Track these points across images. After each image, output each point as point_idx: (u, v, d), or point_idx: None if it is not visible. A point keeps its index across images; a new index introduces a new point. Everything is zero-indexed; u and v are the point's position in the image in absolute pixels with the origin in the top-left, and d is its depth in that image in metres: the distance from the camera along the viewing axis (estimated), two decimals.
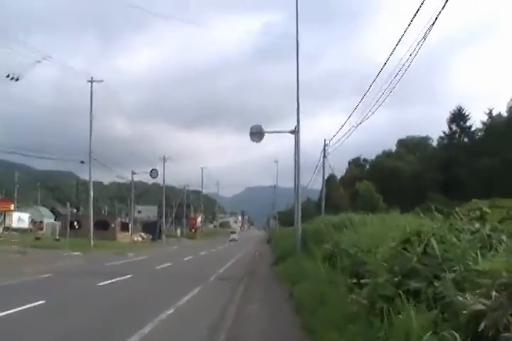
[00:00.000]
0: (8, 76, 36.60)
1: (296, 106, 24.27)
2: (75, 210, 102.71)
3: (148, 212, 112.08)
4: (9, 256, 27.35)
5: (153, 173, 57.10)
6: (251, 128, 25.80)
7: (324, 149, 36.67)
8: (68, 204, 42.75)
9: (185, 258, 34.22)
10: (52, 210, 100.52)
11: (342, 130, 32.79)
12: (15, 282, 17.34)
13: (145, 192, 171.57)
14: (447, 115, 73.39)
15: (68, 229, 39.24)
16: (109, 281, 18.09)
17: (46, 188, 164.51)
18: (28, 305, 11.93)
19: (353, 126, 27.77)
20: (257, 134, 25.85)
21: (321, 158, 37.60)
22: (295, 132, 27.39)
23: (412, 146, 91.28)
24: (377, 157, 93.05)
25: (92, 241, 42.17)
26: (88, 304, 13.18)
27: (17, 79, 37.06)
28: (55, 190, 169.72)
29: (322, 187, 38.83)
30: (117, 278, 19.02)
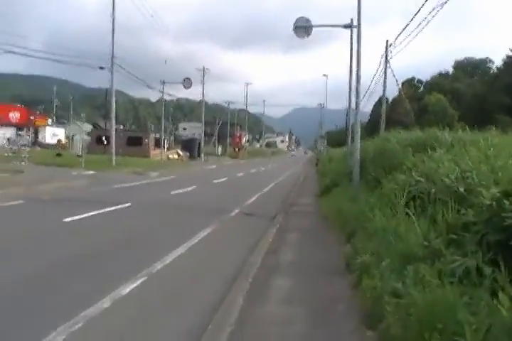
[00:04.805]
0: None
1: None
2: (122, 126, 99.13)
3: (193, 129, 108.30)
4: None
5: (186, 83, 50.55)
6: (296, 21, 19.74)
7: (386, 51, 29.44)
8: (83, 115, 37.15)
9: (217, 180, 28.90)
10: (95, 126, 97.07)
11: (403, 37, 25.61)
12: None
13: (192, 110, 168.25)
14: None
15: (81, 145, 34.06)
16: (86, 215, 12.82)
17: (95, 106, 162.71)
18: None
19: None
20: (302, 28, 19.89)
21: (382, 63, 30.41)
22: (352, 26, 21.13)
23: (470, 69, 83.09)
24: (433, 78, 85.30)
25: (113, 158, 37.09)
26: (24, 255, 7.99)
27: None
28: (102, 107, 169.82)
29: (384, 92, 31.62)
30: (102, 210, 13.82)
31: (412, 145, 12.16)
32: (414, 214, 7.09)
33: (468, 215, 5.68)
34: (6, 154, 37.62)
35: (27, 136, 63.31)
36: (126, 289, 6.46)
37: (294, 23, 19.76)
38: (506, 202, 4.96)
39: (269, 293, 6.25)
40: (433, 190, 7.50)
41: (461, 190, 6.82)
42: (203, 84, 61.33)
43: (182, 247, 9.29)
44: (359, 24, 17.28)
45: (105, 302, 5.91)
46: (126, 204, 15.48)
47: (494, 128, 12.63)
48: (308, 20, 20.01)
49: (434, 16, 19.00)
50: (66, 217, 12.11)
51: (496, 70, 76.46)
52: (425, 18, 19.81)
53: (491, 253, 4.75)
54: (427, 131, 13.37)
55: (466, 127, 13.03)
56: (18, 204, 14.86)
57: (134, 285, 6.65)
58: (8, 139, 51.16)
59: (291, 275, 7.20)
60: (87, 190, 20.30)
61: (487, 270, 4.21)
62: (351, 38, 22.50)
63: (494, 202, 5.14)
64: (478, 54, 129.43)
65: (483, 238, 5.10)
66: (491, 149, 8.64)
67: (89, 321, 5.31)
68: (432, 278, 4.91)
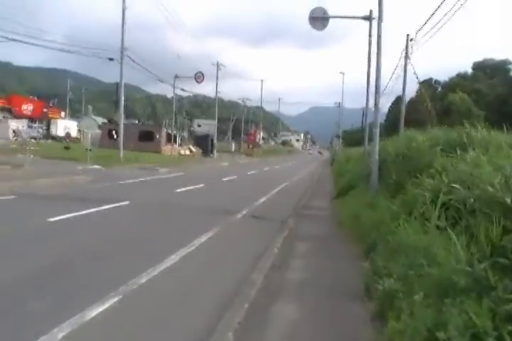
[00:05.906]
0: None
1: None
2: (137, 121, 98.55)
3: (208, 126, 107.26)
4: None
5: (198, 77, 49.33)
6: (311, 12, 18.61)
7: (407, 46, 28.05)
8: (90, 108, 35.85)
9: (226, 178, 27.75)
10: (110, 121, 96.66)
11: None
12: None
13: (209, 108, 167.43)
14: None
15: (90, 139, 32.98)
16: (76, 214, 11.69)
17: (112, 101, 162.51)
18: None
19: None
20: (319, 19, 18.73)
21: (402, 59, 29.05)
22: (371, 18, 20.19)
23: (490, 70, 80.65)
24: (451, 79, 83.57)
25: (121, 152, 35.89)
26: None
27: None
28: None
29: (403, 88, 30.10)
30: (96, 208, 12.69)
31: (440, 144, 10.80)
32: (447, 228, 5.84)
33: None
34: (12, 146, 36.62)
35: (39, 129, 62.59)
36: (92, 312, 5.26)
37: (310, 14, 18.60)
38: None
39: (268, 325, 5.00)
40: (471, 200, 6.21)
41: (508, 201, 5.54)
42: (217, 78, 60.15)
43: (173, 256, 8.07)
44: (380, 15, 15.90)
45: (61, 331, 4.73)
46: (125, 203, 14.34)
47: None
48: (324, 11, 18.86)
49: (457, 10, 17.79)
50: (53, 216, 10.97)
51: None
52: (447, 13, 18.63)
53: None
54: (457, 130, 11.97)
55: (494, 129, 11.67)
56: (8, 199, 13.84)
57: (102, 308, 5.43)
58: (14, 131, 50.07)
59: (298, 301, 5.92)
60: (88, 186, 19.18)
61: None
62: (370, 32, 21.52)
63: None
64: (496, 56, 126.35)
65: None
66: None
67: None
68: (483, 322, 3.66)
